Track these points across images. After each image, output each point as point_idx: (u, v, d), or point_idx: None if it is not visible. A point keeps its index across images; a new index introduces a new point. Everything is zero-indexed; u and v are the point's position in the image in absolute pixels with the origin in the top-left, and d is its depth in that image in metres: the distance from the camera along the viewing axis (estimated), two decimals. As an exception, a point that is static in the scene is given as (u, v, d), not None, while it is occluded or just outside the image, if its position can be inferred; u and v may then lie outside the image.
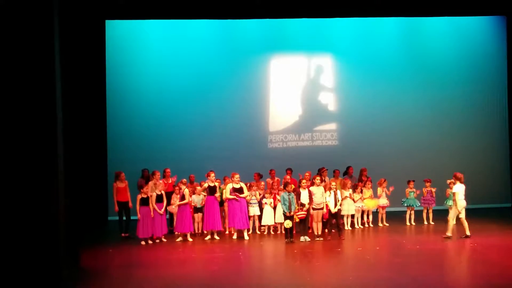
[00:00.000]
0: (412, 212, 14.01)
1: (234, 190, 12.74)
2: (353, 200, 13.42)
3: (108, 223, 15.07)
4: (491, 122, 17.00)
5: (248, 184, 13.19)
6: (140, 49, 16.32)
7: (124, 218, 13.19)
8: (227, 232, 13.21)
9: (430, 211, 14.03)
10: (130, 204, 13.16)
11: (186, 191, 12.68)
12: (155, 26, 16.36)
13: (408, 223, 13.94)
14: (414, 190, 13.99)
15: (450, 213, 12.22)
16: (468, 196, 12.50)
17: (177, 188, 12.89)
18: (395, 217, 14.27)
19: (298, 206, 12.22)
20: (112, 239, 13.08)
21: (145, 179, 13.53)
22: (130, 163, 14.97)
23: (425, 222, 13.95)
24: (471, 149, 16.78)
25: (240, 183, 12.86)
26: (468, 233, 11.97)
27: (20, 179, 8.92)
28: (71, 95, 11.99)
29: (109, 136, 15.78)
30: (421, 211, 14.16)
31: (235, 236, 12.71)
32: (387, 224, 13.90)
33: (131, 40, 16.28)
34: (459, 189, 12.02)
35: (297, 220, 12.32)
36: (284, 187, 12.42)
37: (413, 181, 14.03)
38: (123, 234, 13.09)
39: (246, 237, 12.70)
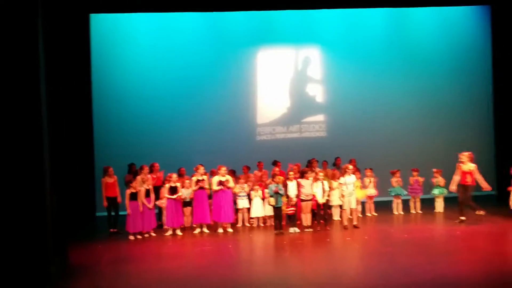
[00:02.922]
0: (399, 201, 14.09)
1: (220, 182, 12.72)
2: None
3: (97, 218, 15.01)
4: (476, 112, 17.10)
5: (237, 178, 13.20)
6: (126, 43, 16.20)
7: (113, 213, 13.13)
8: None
9: (418, 200, 14.13)
10: (119, 199, 13.11)
11: (178, 185, 12.66)
12: (140, 20, 16.23)
13: (395, 212, 14.02)
14: (400, 179, 14.07)
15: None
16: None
17: (167, 179, 12.85)
18: (383, 207, 14.34)
19: (286, 197, 12.26)
20: (100, 234, 13.03)
21: (132, 174, 13.47)
22: (118, 157, 14.87)
23: (413, 211, 14.04)
24: (457, 139, 16.84)
25: (227, 175, 12.83)
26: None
27: (6, 176, 8.85)
28: (57, 90, 11.90)
29: (95, 131, 15.68)
30: (408, 200, 14.24)
31: (220, 230, 12.69)
32: (375, 214, 13.98)
33: (116, 34, 16.14)
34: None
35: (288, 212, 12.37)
36: (273, 179, 12.43)
37: (399, 170, 14.12)
38: (111, 230, 13.03)
39: (230, 230, 12.70)
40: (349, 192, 12.49)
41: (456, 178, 12.60)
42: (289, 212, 12.31)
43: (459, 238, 11.29)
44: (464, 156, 12.55)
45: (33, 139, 9.07)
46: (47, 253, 9.15)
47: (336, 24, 16.94)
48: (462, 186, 12.52)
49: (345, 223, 12.52)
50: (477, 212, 12.43)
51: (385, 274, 8.75)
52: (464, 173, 12.49)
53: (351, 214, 12.68)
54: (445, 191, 13.83)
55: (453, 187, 12.69)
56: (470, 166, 12.48)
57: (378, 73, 16.84)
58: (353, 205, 12.64)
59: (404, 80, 16.89)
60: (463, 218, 12.46)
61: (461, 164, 12.55)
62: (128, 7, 15.39)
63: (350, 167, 12.74)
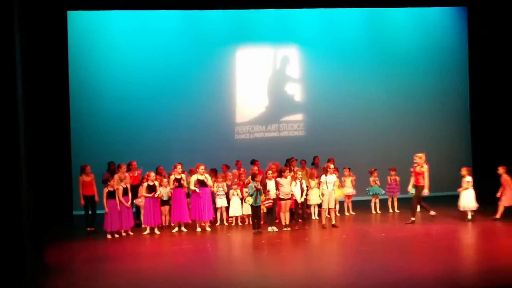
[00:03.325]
0: (377, 200, 14.19)
1: (199, 181, 12.68)
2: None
3: (74, 217, 14.86)
4: (453, 111, 17.35)
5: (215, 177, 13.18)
6: (104, 41, 16.07)
7: (90, 212, 13.02)
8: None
9: (395, 199, 14.25)
10: (97, 198, 12.99)
11: (157, 183, 12.60)
12: (119, 17, 16.13)
13: (373, 212, 14.13)
14: (377, 179, 14.17)
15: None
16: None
17: (145, 178, 12.78)
18: (361, 206, 14.44)
19: (265, 196, 12.27)
20: (77, 233, 12.92)
21: (110, 173, 13.37)
22: (95, 156, 14.78)
23: (390, 210, 14.16)
24: (435, 138, 17.08)
25: (205, 174, 12.80)
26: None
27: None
28: (33, 88, 11.77)
29: (73, 129, 15.53)
30: (386, 200, 14.35)
31: (198, 229, 12.66)
32: (353, 213, 14.07)
33: (94, 32, 16.01)
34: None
35: (265, 210, 12.37)
36: (252, 178, 12.43)
37: (376, 170, 14.23)
38: (88, 228, 12.92)
39: (208, 229, 12.67)
40: (328, 191, 12.53)
41: (412, 179, 12.77)
42: (267, 204, 12.29)
43: (436, 237, 11.41)
44: (418, 157, 12.65)
45: (9, 137, 8.95)
46: (23, 252, 9.04)
47: (314, 24, 17.03)
48: (415, 187, 12.68)
49: (324, 222, 12.57)
50: (430, 213, 12.59)
51: (363, 273, 8.80)
52: (417, 174, 12.63)
53: (329, 214, 12.73)
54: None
55: (408, 188, 12.87)
56: (423, 168, 12.58)
57: (356, 72, 16.97)
58: (332, 205, 12.68)
59: (382, 80, 17.04)
60: (413, 219, 12.62)
61: (415, 165, 12.68)
62: (106, 5, 15.32)
63: (331, 166, 12.79)
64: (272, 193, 12.35)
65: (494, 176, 12.97)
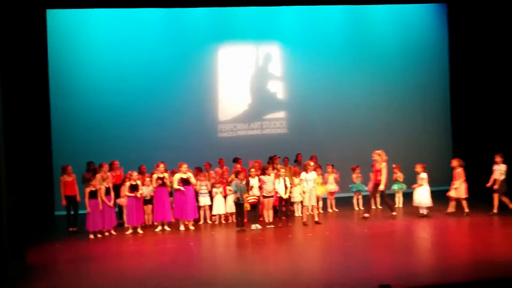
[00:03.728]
0: (360, 197, 14.26)
1: (182, 180, 12.63)
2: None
3: (56, 217, 14.74)
4: (435, 108, 17.50)
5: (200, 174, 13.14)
6: (84, 39, 15.95)
7: (72, 212, 12.91)
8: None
9: (377, 195, 14.30)
10: (78, 198, 12.89)
11: (139, 182, 12.54)
12: (99, 15, 16.01)
13: (356, 208, 14.19)
14: (360, 175, 14.24)
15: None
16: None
17: (127, 177, 12.70)
18: (344, 203, 14.49)
19: (249, 194, 12.27)
20: (59, 234, 12.80)
21: (91, 172, 13.26)
22: (76, 155, 14.65)
23: (373, 207, 14.21)
24: (416, 134, 17.24)
25: (188, 172, 12.75)
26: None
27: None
28: (12, 87, 11.65)
29: (53, 128, 15.42)
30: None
31: (182, 227, 12.62)
32: (336, 210, 14.12)
33: (74, 30, 15.88)
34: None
35: (248, 207, 12.37)
36: (236, 176, 12.41)
37: (358, 166, 14.30)
38: (71, 229, 12.82)
39: (191, 227, 12.64)
40: (309, 188, 12.56)
41: (372, 176, 12.85)
42: (251, 201, 12.28)
43: (418, 232, 11.50)
44: (376, 154, 12.73)
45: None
46: (4, 253, 8.95)
47: (296, 21, 17.07)
48: (374, 184, 12.83)
49: (305, 219, 12.60)
50: (392, 213, 12.71)
51: (346, 269, 8.84)
52: (376, 171, 12.74)
53: (311, 211, 12.76)
54: (404, 186, 14.06)
55: (370, 185, 12.92)
56: (381, 165, 12.67)
57: (338, 69, 17.04)
58: (313, 202, 12.70)
59: (364, 76, 17.12)
60: (366, 215, 12.80)
61: (374, 163, 12.79)
62: (86, 3, 15.18)
63: (311, 163, 12.81)
64: (256, 190, 12.35)
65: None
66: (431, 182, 12.92)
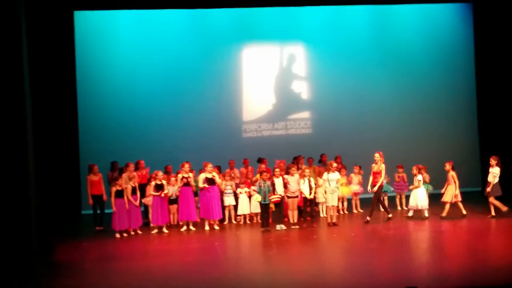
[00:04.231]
0: (386, 198, 14.13)
1: (207, 179, 12.67)
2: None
3: (82, 216, 14.92)
4: (461, 109, 17.28)
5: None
6: (111, 40, 16.12)
7: (98, 211, 13.05)
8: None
9: (403, 196, 14.20)
10: (105, 197, 13.02)
11: (164, 182, 12.61)
12: (125, 17, 16.18)
13: (382, 209, 14.05)
14: (386, 176, 14.10)
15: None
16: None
17: (153, 176, 12.79)
18: (369, 204, 14.35)
19: (273, 194, 12.24)
20: (86, 232, 12.95)
21: (115, 172, 13.38)
22: (103, 155, 14.78)
23: (399, 208, 14.11)
24: (442, 135, 17.04)
25: (213, 172, 12.79)
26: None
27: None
28: (41, 88, 11.82)
29: (80, 129, 15.60)
30: (394, 197, 14.30)
31: (207, 227, 12.66)
32: (362, 211, 14.02)
33: (101, 31, 16.06)
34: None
35: (273, 208, 12.35)
36: (260, 176, 12.42)
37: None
38: (97, 228, 12.95)
39: (216, 227, 12.68)
40: (331, 189, 12.50)
41: (371, 178, 12.75)
42: (274, 199, 12.26)
43: (444, 234, 11.38)
44: (379, 155, 12.64)
45: (18, 138, 8.99)
46: (32, 251, 9.08)
47: (320, 22, 17.01)
48: (373, 187, 12.64)
49: (329, 220, 12.54)
50: (388, 215, 12.62)
51: (371, 271, 8.78)
52: (375, 174, 12.62)
53: (331, 212, 12.66)
54: (430, 187, 13.88)
55: (368, 187, 12.79)
56: (381, 167, 12.57)
57: (363, 70, 16.94)
58: (335, 202, 12.63)
59: (388, 77, 17.00)
60: (390, 215, 12.66)
61: (373, 164, 12.67)
62: (112, 5, 15.36)
63: (334, 164, 12.76)
64: (280, 190, 12.33)
65: (502, 172, 12.90)
66: (460, 184, 12.74)
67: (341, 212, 13.85)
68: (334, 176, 12.59)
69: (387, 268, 8.87)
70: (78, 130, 15.57)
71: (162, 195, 12.52)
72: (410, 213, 12.88)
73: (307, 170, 12.79)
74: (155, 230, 12.53)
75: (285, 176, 12.50)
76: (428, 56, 17.16)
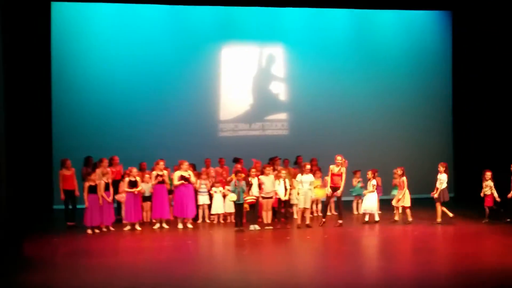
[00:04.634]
0: (360, 201, 14.20)
1: (182, 177, 12.60)
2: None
3: (54, 211, 14.72)
4: (436, 114, 17.51)
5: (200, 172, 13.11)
6: (88, 33, 15.93)
7: (70, 206, 12.89)
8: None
9: (377, 200, 14.25)
10: (77, 192, 12.87)
11: (138, 179, 12.51)
12: (104, 10, 16.01)
13: (355, 212, 14.16)
14: (361, 180, 14.20)
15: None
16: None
17: (127, 173, 12.68)
18: (344, 206, 14.40)
19: (248, 194, 12.23)
20: (57, 228, 12.77)
21: (89, 167, 13.23)
22: (76, 150, 14.60)
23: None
24: (417, 140, 17.24)
25: (188, 171, 12.73)
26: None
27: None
28: (14, 81, 11.63)
29: (54, 122, 15.40)
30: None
31: (180, 225, 12.59)
32: (336, 213, 14.06)
33: (78, 24, 15.86)
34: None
35: (247, 208, 12.34)
36: (235, 176, 12.39)
37: (359, 171, 14.24)
38: (69, 223, 12.79)
39: (190, 226, 12.61)
40: (304, 191, 12.53)
41: (329, 179, 12.80)
42: (249, 201, 12.24)
43: (416, 238, 11.48)
44: (341, 157, 12.72)
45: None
46: (2, 245, 8.93)
47: (300, 23, 17.06)
48: (332, 188, 12.70)
49: (299, 222, 12.55)
50: (339, 221, 12.70)
51: (343, 273, 8.81)
52: (334, 175, 12.69)
53: (304, 213, 12.69)
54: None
55: (327, 190, 12.79)
56: (342, 170, 12.68)
57: (341, 73, 17.03)
58: (307, 205, 12.65)
59: (366, 81, 17.12)
60: (340, 221, 12.70)
61: (333, 166, 12.75)
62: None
63: (308, 166, 12.80)
64: (255, 190, 12.32)
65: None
66: (431, 189, 12.87)
67: (315, 214, 13.89)
68: (308, 178, 12.61)
69: (358, 271, 8.91)
70: (51, 123, 15.35)
71: (136, 192, 12.41)
72: (366, 218, 12.95)
73: (283, 172, 12.80)
74: (128, 227, 12.42)
75: (260, 176, 12.48)
76: (406, 61, 17.34)
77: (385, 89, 17.17)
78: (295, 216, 13.46)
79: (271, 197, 12.48)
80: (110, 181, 12.42)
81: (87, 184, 12.10)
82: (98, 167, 12.52)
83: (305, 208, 12.59)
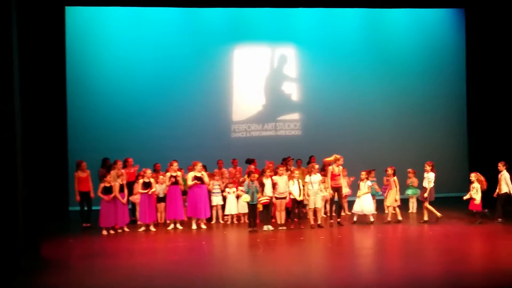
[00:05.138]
0: (374, 201, 14.16)
1: (196, 178, 12.67)
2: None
3: (69, 213, 14.86)
4: (450, 113, 17.41)
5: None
6: (102, 37, 16.07)
7: (86, 208, 13.02)
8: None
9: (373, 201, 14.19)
10: (92, 194, 12.99)
11: (152, 180, 12.60)
12: (117, 14, 16.14)
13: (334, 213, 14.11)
14: (375, 180, 14.16)
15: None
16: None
17: (141, 174, 12.77)
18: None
19: (262, 195, 12.26)
20: (73, 229, 12.92)
21: (106, 169, 13.36)
22: (91, 152, 14.76)
23: (386, 211, 14.12)
24: (431, 139, 17.16)
25: (202, 171, 12.80)
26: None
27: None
28: (30, 84, 11.77)
29: (69, 125, 15.55)
30: (382, 200, 14.33)
31: (194, 226, 12.66)
32: (349, 213, 14.06)
33: (92, 27, 16.02)
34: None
35: (261, 208, 12.37)
36: (248, 176, 12.44)
37: (374, 170, 14.21)
38: (84, 224, 12.92)
39: (203, 226, 12.68)
40: (314, 191, 12.54)
41: (329, 180, 12.83)
42: (263, 201, 12.27)
43: (432, 238, 11.44)
44: (342, 159, 12.82)
45: (6, 133, 8.95)
46: (18, 247, 9.04)
47: (312, 23, 17.06)
48: (334, 189, 12.77)
49: (312, 222, 12.57)
50: (338, 220, 12.82)
51: (357, 273, 8.83)
52: (334, 176, 12.75)
53: (315, 214, 12.71)
54: (418, 191, 13.96)
55: (330, 191, 12.80)
56: (340, 170, 12.79)
57: (353, 72, 17.00)
58: (318, 204, 12.68)
59: (379, 80, 17.08)
60: (339, 220, 12.83)
61: (334, 166, 12.77)
62: (105, 1, 15.32)
63: (316, 166, 12.81)
64: (269, 191, 12.35)
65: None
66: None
67: (329, 214, 13.86)
68: (316, 178, 12.62)
69: (372, 271, 8.91)
70: (67, 126, 15.50)
71: (150, 192, 12.51)
72: (355, 218, 12.98)
73: (296, 172, 12.82)
74: (142, 228, 12.51)
75: (274, 177, 12.51)
76: (419, 60, 17.27)
77: (398, 88, 17.12)
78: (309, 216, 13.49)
79: (284, 198, 12.50)
80: (124, 182, 12.53)
81: (102, 186, 12.23)
82: (112, 169, 12.65)
83: (316, 208, 12.61)
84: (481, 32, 16.55)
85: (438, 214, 12.62)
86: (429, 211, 12.74)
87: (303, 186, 12.76)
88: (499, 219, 12.50)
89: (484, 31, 16.40)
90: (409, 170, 14.08)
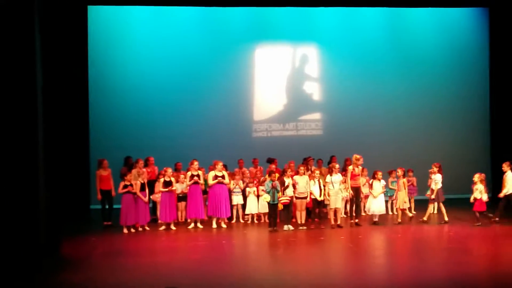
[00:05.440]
0: (395, 201, 14.05)
1: (216, 177, 12.67)
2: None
3: (91, 211, 14.97)
4: (473, 113, 17.18)
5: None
6: (123, 36, 16.16)
7: (107, 206, 13.10)
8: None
9: (412, 200, 14.08)
10: (113, 192, 13.07)
11: (173, 179, 12.65)
12: (139, 13, 16.20)
13: (390, 212, 14.02)
14: (396, 180, 14.03)
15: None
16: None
17: (162, 173, 12.82)
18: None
19: (282, 194, 12.21)
20: (94, 227, 13.01)
21: (128, 167, 13.43)
22: (113, 150, 14.84)
23: (395, 212, 13.99)
24: (454, 140, 16.96)
25: (223, 171, 12.81)
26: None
27: (0, 168, 8.81)
28: (52, 82, 11.83)
29: (91, 123, 15.65)
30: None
31: (214, 225, 12.66)
32: (369, 214, 13.93)
33: (114, 26, 16.11)
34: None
35: (281, 207, 12.32)
36: (269, 176, 12.41)
37: (395, 170, 14.07)
38: (105, 223, 13.00)
39: (224, 226, 12.67)
40: (335, 191, 12.47)
41: (349, 180, 12.74)
42: (284, 201, 12.24)
43: (451, 238, 11.32)
44: (361, 160, 12.76)
45: (28, 132, 9.04)
46: (40, 245, 9.12)
47: (334, 23, 16.96)
48: (353, 189, 12.66)
49: (332, 222, 12.50)
50: (356, 221, 12.72)
51: (377, 273, 8.76)
52: (354, 176, 12.68)
53: (336, 214, 12.64)
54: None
55: (350, 191, 12.67)
56: (360, 169, 12.76)
57: (375, 72, 16.87)
58: (339, 205, 12.61)
59: (402, 80, 16.93)
60: (357, 221, 12.71)
61: (354, 167, 12.70)
62: (127, 0, 15.37)
63: (337, 166, 12.76)
64: (290, 191, 12.31)
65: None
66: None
67: (348, 215, 13.78)
68: (337, 178, 12.55)
69: (392, 271, 8.83)
70: (88, 125, 15.62)
71: (171, 188, 12.53)
72: (376, 218, 12.85)
73: (317, 172, 12.77)
74: (163, 227, 12.55)
75: (294, 176, 12.47)
76: (442, 59, 17.07)
77: (420, 88, 16.94)
78: (329, 216, 13.42)
79: (305, 197, 12.45)
80: (145, 181, 12.58)
81: (122, 184, 12.30)
82: (134, 168, 12.71)
83: (336, 208, 12.54)
84: (505, 32, 16.28)
85: (446, 218, 12.53)
86: (440, 213, 12.71)
87: (324, 186, 12.70)
88: (496, 218, 12.36)
89: (508, 31, 16.13)
90: (430, 170, 13.90)
